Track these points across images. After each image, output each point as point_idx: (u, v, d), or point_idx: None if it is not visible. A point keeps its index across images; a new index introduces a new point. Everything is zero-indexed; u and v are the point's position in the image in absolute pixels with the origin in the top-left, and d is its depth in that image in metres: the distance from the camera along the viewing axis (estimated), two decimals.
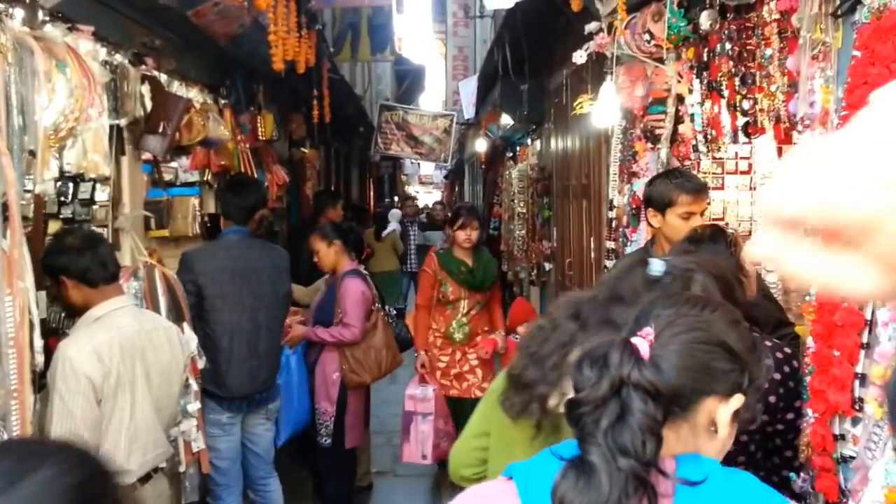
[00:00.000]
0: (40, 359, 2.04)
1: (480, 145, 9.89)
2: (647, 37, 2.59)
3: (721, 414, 0.89)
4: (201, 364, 3.04)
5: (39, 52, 2.04)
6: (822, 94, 1.81)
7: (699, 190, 2.29)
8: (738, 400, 0.90)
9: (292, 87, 5.11)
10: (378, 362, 3.78)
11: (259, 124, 4.63)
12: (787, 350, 1.74)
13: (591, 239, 4.46)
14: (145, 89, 2.98)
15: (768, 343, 1.70)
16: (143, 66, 2.98)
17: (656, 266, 1.27)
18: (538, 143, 6.92)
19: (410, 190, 23.95)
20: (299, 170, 6.51)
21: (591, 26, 2.89)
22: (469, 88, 9.05)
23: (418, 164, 18.28)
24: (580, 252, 4.89)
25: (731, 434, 0.93)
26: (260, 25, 3.82)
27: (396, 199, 16.94)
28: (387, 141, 10.09)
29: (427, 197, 25.25)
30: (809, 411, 1.66)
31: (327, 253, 3.80)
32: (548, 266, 6.21)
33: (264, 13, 3.56)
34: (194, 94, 3.74)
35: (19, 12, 2.13)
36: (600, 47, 2.77)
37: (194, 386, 2.83)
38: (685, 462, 0.88)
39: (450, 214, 5.53)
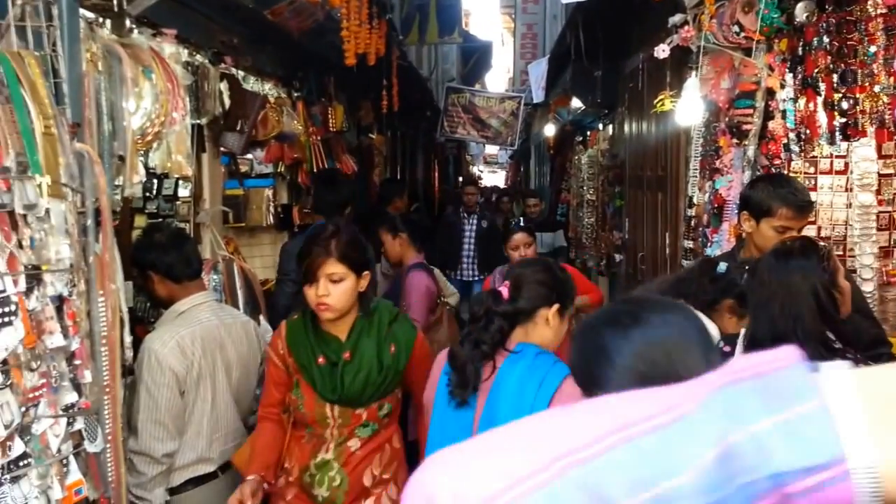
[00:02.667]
0: (129, 353, 2.14)
1: (549, 129, 9.68)
2: (735, 28, 2.44)
3: (549, 315, 1.75)
4: None
5: (127, 59, 2.12)
6: None
7: (804, 207, 2.09)
8: (556, 307, 1.76)
9: (362, 74, 5.14)
10: None
11: (330, 115, 4.69)
12: None
13: (667, 234, 4.29)
14: (224, 87, 3.06)
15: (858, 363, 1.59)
16: (222, 65, 3.05)
17: (721, 266, 2.19)
18: (610, 128, 6.70)
19: (475, 170, 23.50)
20: (367, 156, 6.57)
21: (675, 18, 2.74)
22: (538, 71, 8.84)
23: (483, 144, 18.10)
24: (654, 246, 4.72)
25: (562, 325, 1.79)
26: (331, 17, 3.84)
27: (461, 179, 16.79)
28: (453, 124, 10.03)
29: (491, 177, 24.94)
30: None
31: (392, 245, 3.79)
32: (618, 257, 6.05)
33: (337, 8, 3.57)
34: (269, 89, 3.81)
35: (108, 21, 2.21)
36: (685, 41, 2.62)
37: None
38: (520, 346, 1.73)
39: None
